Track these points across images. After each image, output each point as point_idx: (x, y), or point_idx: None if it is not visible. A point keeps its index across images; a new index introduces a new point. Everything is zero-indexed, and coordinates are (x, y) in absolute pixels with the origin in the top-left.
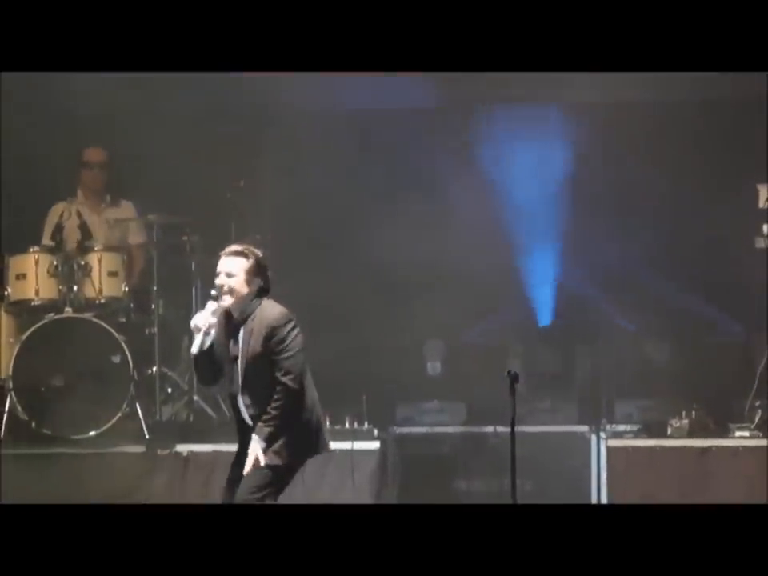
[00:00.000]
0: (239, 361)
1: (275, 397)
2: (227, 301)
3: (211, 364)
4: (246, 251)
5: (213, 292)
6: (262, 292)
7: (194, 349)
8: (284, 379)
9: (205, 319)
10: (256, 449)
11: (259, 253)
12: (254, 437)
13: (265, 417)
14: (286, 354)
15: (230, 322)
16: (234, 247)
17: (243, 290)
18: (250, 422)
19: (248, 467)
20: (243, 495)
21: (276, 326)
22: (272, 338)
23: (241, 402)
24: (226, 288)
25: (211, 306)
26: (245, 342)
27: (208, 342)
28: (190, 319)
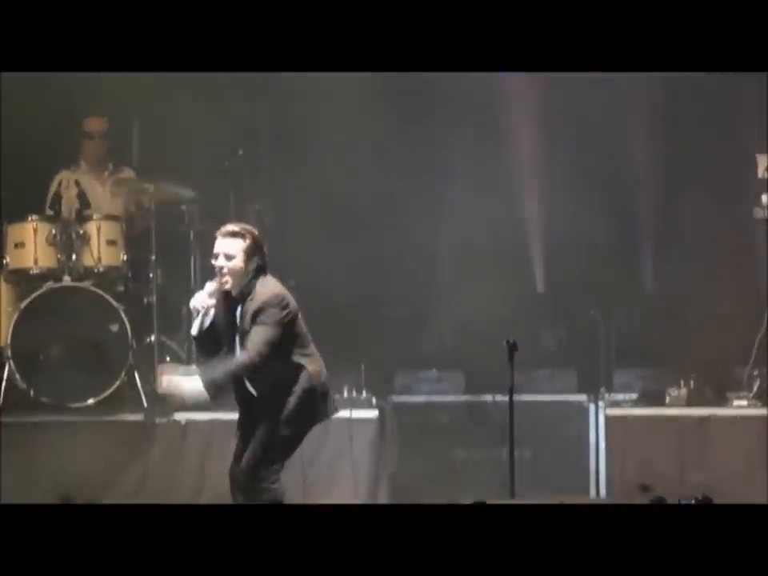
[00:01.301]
0: (237, 338)
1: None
2: (228, 283)
3: (212, 342)
4: (243, 231)
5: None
6: (259, 270)
7: (194, 330)
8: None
9: (203, 300)
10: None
11: (255, 231)
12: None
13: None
14: (260, 327)
15: (230, 300)
16: (231, 227)
17: (242, 270)
18: (255, 393)
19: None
20: (240, 470)
21: (266, 304)
22: (259, 315)
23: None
24: (225, 270)
25: (209, 286)
26: (241, 320)
27: (207, 322)
28: (189, 288)
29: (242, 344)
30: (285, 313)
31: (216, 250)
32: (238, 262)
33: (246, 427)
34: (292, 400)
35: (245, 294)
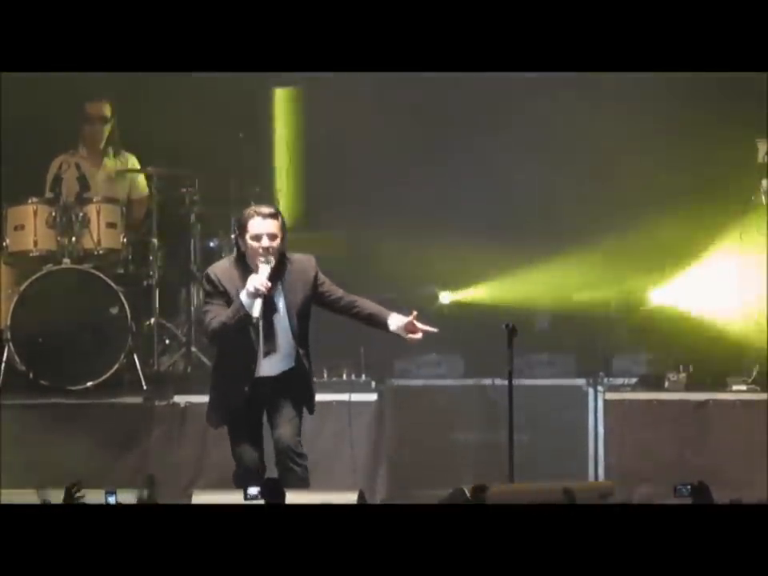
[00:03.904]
0: (285, 315)
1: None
2: (273, 262)
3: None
4: (277, 211)
5: (259, 251)
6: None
7: (256, 312)
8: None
9: (263, 282)
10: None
11: None
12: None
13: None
14: (328, 282)
15: None
16: (267, 208)
17: (281, 249)
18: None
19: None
20: (288, 440)
21: (316, 266)
22: (317, 278)
23: (282, 356)
24: (271, 250)
25: (265, 268)
26: (292, 295)
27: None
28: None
29: (299, 314)
30: None
31: (258, 230)
32: (280, 242)
33: (259, 412)
34: (309, 377)
35: (280, 271)
